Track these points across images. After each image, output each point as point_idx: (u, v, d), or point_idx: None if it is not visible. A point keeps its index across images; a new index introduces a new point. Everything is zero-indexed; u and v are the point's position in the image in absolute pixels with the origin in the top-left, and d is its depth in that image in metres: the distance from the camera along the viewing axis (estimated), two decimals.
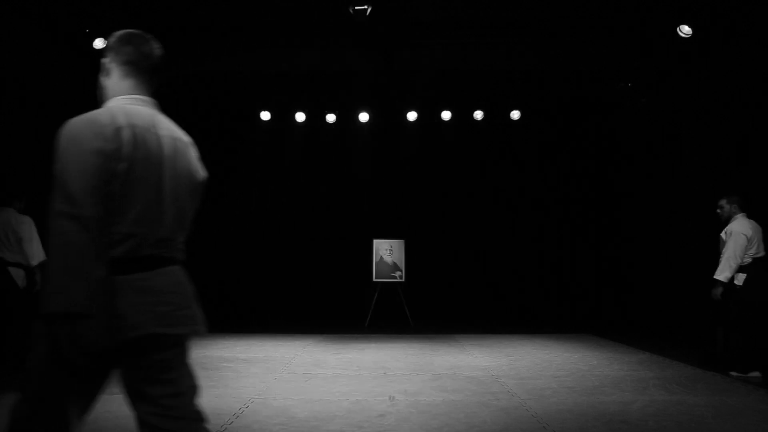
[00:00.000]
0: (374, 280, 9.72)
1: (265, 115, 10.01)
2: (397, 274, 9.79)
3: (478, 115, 9.93)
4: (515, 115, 9.91)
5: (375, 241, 9.87)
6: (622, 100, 8.99)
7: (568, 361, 6.03)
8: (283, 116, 10.09)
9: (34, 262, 5.48)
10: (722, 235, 5.62)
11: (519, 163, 10.65)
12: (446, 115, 9.94)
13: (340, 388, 4.72)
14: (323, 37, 8.30)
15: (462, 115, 9.96)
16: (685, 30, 6.80)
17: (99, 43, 7.01)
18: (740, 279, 5.42)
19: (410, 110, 9.97)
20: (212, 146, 10.64)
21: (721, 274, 5.39)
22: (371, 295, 9.70)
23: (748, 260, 5.43)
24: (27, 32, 6.26)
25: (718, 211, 5.74)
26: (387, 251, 9.87)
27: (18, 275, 5.43)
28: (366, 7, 6.34)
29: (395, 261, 9.85)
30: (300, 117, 10.00)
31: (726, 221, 5.68)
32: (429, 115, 10.05)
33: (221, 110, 10.32)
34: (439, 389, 4.71)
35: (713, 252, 7.27)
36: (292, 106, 9.98)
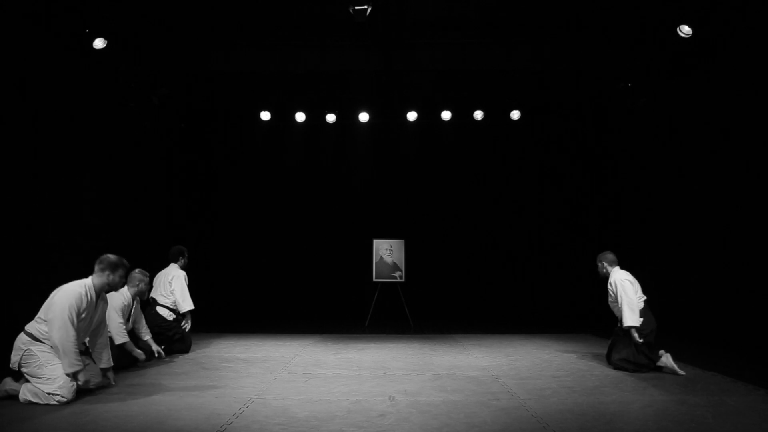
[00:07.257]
0: (374, 280, 9.72)
1: (265, 115, 10.01)
2: (397, 274, 9.79)
3: (478, 115, 9.92)
4: (515, 115, 9.91)
5: (375, 241, 9.87)
6: (622, 100, 8.99)
7: (568, 361, 6.03)
8: (283, 116, 10.09)
9: (182, 309, 6.54)
10: (609, 288, 5.76)
11: (519, 163, 10.66)
12: (446, 115, 9.93)
13: (339, 388, 4.72)
14: (323, 37, 8.30)
15: (462, 115, 9.96)
16: (685, 30, 6.80)
17: (99, 43, 7.00)
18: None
19: (410, 110, 9.96)
20: (212, 146, 10.66)
21: (630, 320, 5.41)
22: (371, 295, 9.71)
23: (641, 304, 5.55)
24: (27, 32, 6.25)
25: (598, 270, 5.96)
26: (387, 251, 9.87)
27: (164, 312, 6.55)
28: (366, 7, 6.34)
29: (395, 261, 9.85)
30: (300, 117, 10.00)
31: (605, 278, 5.88)
32: (429, 115, 10.05)
33: (221, 110, 10.31)
34: (439, 389, 4.71)
35: (713, 252, 7.29)
36: (292, 106, 9.97)
